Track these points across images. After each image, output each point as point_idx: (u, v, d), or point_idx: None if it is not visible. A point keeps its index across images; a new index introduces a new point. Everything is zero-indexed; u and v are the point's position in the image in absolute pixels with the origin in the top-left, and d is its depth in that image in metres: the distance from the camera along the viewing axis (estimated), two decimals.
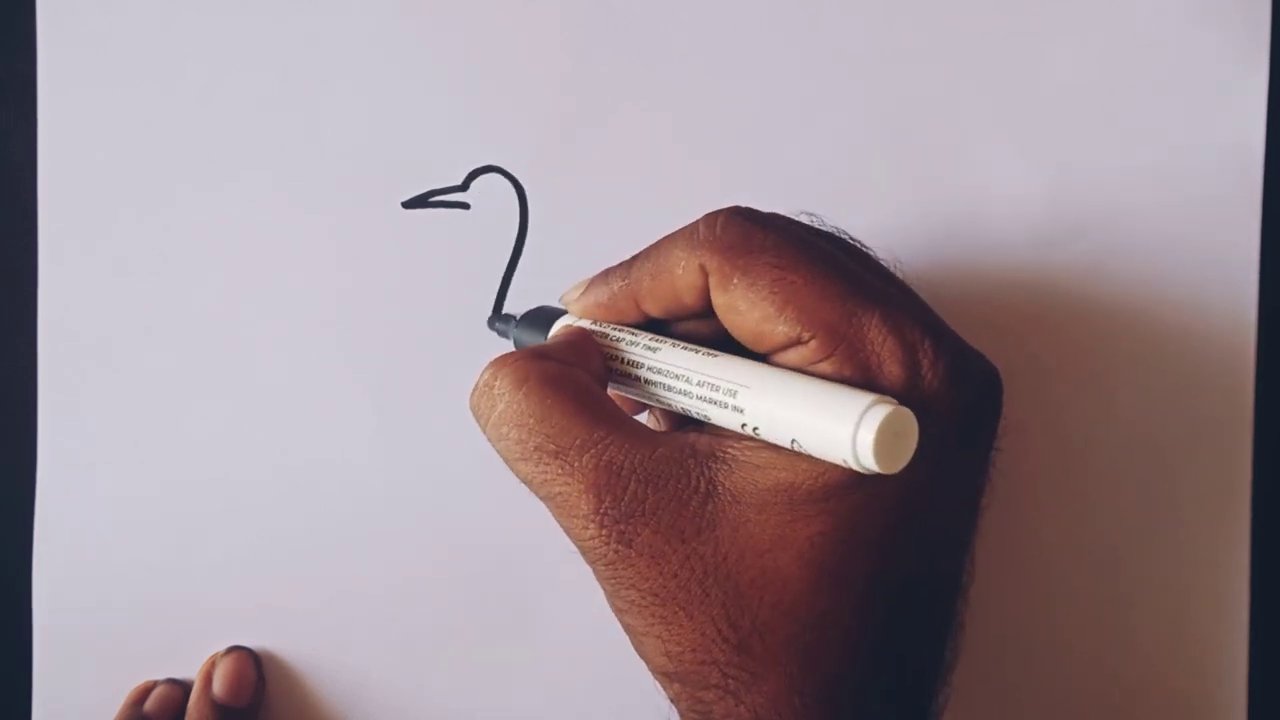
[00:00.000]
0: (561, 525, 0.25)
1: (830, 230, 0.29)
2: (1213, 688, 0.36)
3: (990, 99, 0.36)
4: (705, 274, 0.25)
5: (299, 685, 0.37)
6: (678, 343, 0.27)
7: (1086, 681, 0.36)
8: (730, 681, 0.24)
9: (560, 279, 0.36)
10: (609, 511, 0.24)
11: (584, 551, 0.25)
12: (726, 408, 0.25)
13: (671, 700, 0.26)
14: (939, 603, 0.26)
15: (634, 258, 0.27)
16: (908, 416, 0.23)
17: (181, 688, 0.37)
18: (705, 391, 0.25)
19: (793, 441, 0.24)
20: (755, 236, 0.25)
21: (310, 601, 0.37)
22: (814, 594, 0.24)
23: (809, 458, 0.24)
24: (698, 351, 0.26)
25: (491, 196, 0.36)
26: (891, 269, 0.28)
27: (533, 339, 0.30)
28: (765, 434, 0.24)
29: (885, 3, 0.35)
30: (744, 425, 0.25)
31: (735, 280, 0.25)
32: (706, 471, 0.24)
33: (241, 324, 0.36)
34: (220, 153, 0.36)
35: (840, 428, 0.22)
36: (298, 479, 0.36)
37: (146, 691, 0.36)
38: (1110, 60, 0.35)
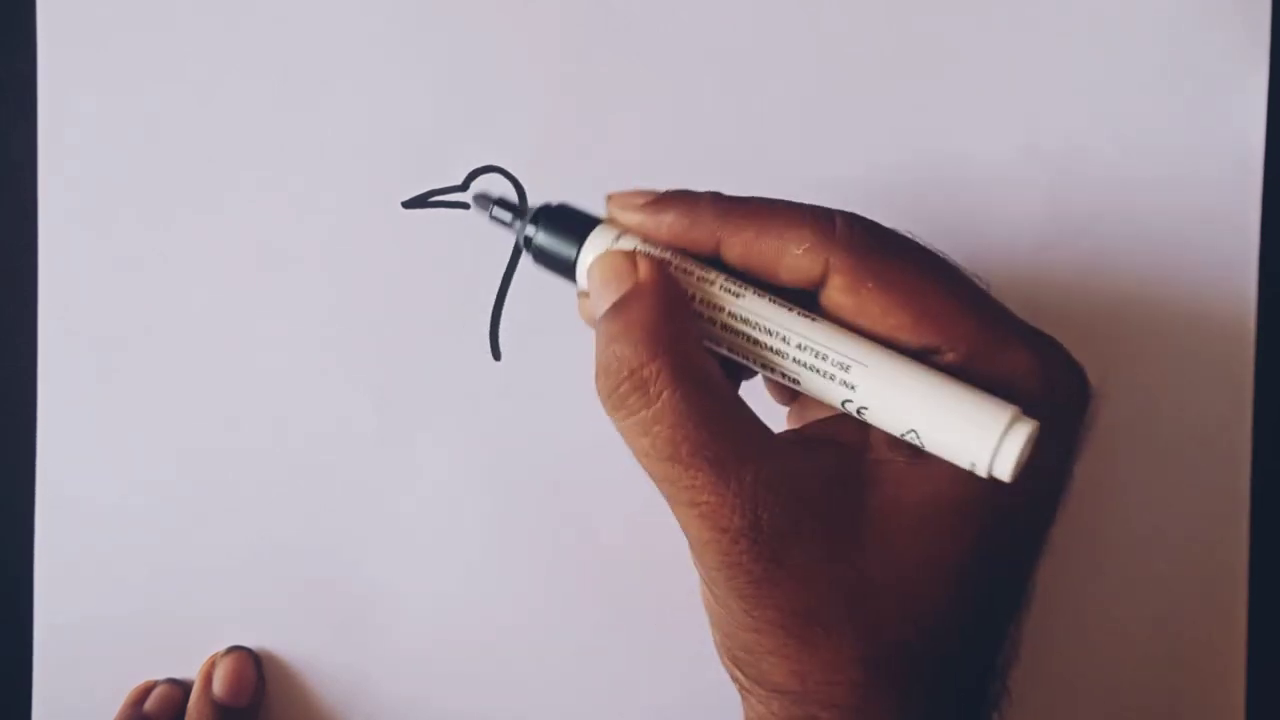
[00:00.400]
0: (697, 535, 0.24)
1: (939, 253, 0.28)
2: (1211, 688, 0.36)
3: (991, 99, 0.36)
4: (827, 269, 0.24)
5: (299, 685, 0.37)
6: (764, 293, 0.25)
7: (1085, 682, 0.36)
8: (857, 700, 0.23)
9: (561, 279, 0.36)
10: (765, 528, 0.23)
11: (722, 566, 0.23)
12: (833, 379, 0.24)
13: (767, 713, 0.25)
14: (1023, 604, 0.27)
15: (734, 202, 0.25)
16: (1036, 432, 0.22)
17: (181, 688, 0.37)
18: (807, 357, 0.24)
19: (909, 433, 0.23)
20: (891, 245, 0.25)
21: (310, 601, 0.37)
22: (958, 607, 0.24)
23: (941, 469, 0.23)
24: (791, 309, 0.24)
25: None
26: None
27: (559, 245, 0.26)
28: (874, 418, 0.23)
29: (886, 3, 0.35)
30: (846, 402, 0.24)
31: (870, 284, 0.24)
32: (855, 491, 0.24)
33: (241, 324, 0.36)
34: (220, 152, 0.36)
35: (984, 436, 0.22)
36: (298, 479, 0.36)
37: (146, 691, 0.36)
38: (1111, 60, 0.35)
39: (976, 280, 0.25)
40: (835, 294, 0.24)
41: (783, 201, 0.25)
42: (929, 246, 0.26)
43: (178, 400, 0.36)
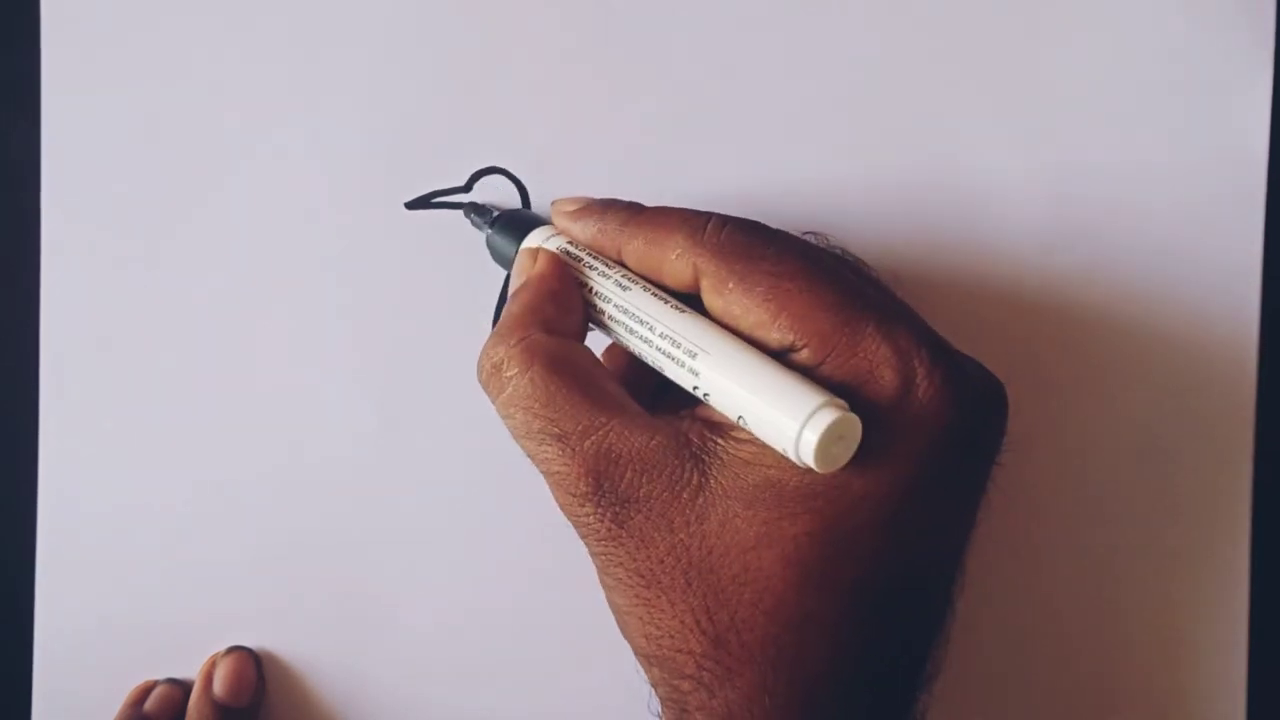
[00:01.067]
0: (558, 500, 0.26)
1: (835, 250, 0.30)
2: (1212, 691, 0.36)
3: (992, 101, 0.36)
4: (696, 272, 0.26)
5: (299, 685, 0.37)
6: (649, 287, 0.27)
7: (1086, 684, 0.36)
8: (705, 674, 0.24)
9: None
10: (606, 494, 0.25)
11: (578, 528, 0.26)
12: (683, 366, 0.26)
13: (652, 685, 0.26)
14: (925, 611, 0.26)
15: (637, 212, 0.28)
16: (854, 422, 0.23)
17: (181, 688, 0.37)
18: (665, 345, 0.26)
19: (739, 418, 0.25)
20: (756, 246, 0.26)
21: (310, 601, 0.37)
22: (796, 594, 0.24)
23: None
24: (666, 302, 0.27)
25: (495, 197, 0.36)
26: (891, 286, 0.29)
27: (505, 244, 0.31)
28: (714, 403, 0.25)
29: (887, 4, 0.36)
30: (695, 388, 0.26)
31: (731, 285, 0.25)
32: (700, 465, 0.25)
33: (243, 324, 0.36)
34: (223, 152, 0.36)
35: (788, 421, 0.23)
36: (298, 479, 0.36)
37: (146, 691, 0.36)
38: (1113, 62, 0.36)
39: (851, 275, 0.26)
40: (707, 295, 0.26)
41: (670, 209, 0.27)
42: (812, 245, 0.27)
43: (178, 400, 0.36)
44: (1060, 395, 0.36)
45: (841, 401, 0.23)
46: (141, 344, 0.36)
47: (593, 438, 0.25)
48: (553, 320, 0.27)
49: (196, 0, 0.36)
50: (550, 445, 0.26)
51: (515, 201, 0.36)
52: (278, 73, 0.36)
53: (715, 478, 0.25)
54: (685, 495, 0.25)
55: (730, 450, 0.25)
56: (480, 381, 0.28)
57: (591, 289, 0.28)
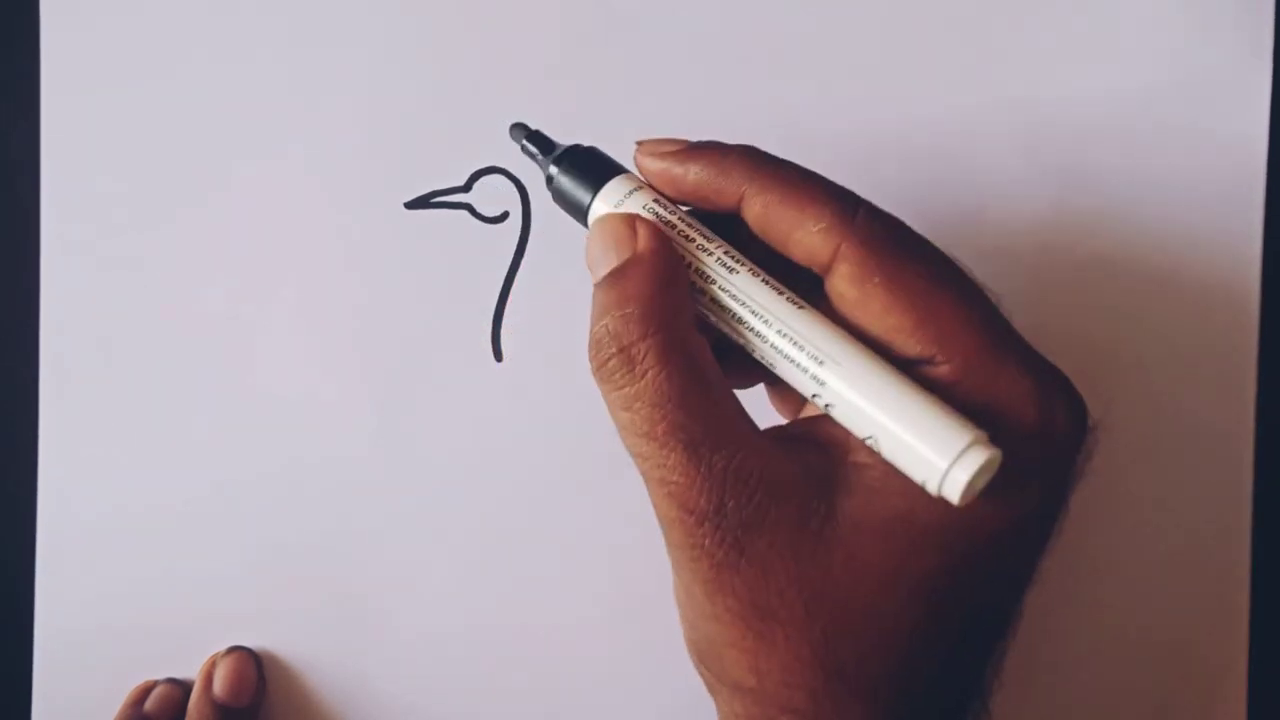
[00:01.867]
0: (667, 515, 0.24)
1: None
2: (1212, 691, 0.36)
3: (992, 101, 0.36)
4: (836, 255, 0.24)
5: (299, 685, 0.37)
6: (759, 272, 0.24)
7: (1086, 684, 0.36)
8: (818, 708, 0.23)
9: (562, 280, 0.36)
10: (730, 515, 0.23)
11: (687, 548, 0.24)
12: (805, 372, 0.23)
13: (732, 715, 0.25)
14: (1007, 632, 0.26)
15: (764, 161, 0.25)
16: (998, 460, 0.22)
17: (181, 688, 0.37)
18: (784, 344, 0.24)
19: (868, 439, 0.23)
20: (910, 246, 0.24)
21: (310, 601, 0.37)
22: (922, 629, 0.23)
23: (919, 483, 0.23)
24: (781, 294, 0.24)
25: (494, 197, 0.36)
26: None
27: (575, 189, 0.27)
28: (838, 415, 0.23)
29: (888, 7, 0.36)
30: (814, 396, 0.23)
31: (878, 280, 0.23)
32: (827, 494, 0.23)
33: (243, 324, 0.36)
34: (222, 152, 0.36)
35: (935, 457, 0.22)
36: (298, 479, 0.36)
37: (146, 691, 0.36)
38: (1113, 62, 0.36)
39: (989, 297, 0.25)
40: (841, 281, 0.24)
41: (814, 175, 0.25)
42: (948, 255, 0.25)
43: (178, 400, 0.36)
44: None
45: (985, 435, 0.22)
46: (141, 344, 0.36)
47: (725, 451, 0.23)
48: (683, 309, 0.24)
49: (196, 0, 0.36)
50: (677, 452, 0.23)
51: (515, 203, 0.36)
52: (277, 73, 0.36)
53: (842, 507, 0.23)
54: (814, 524, 0.23)
55: (855, 477, 0.24)
56: (598, 364, 0.24)
57: (690, 265, 0.25)
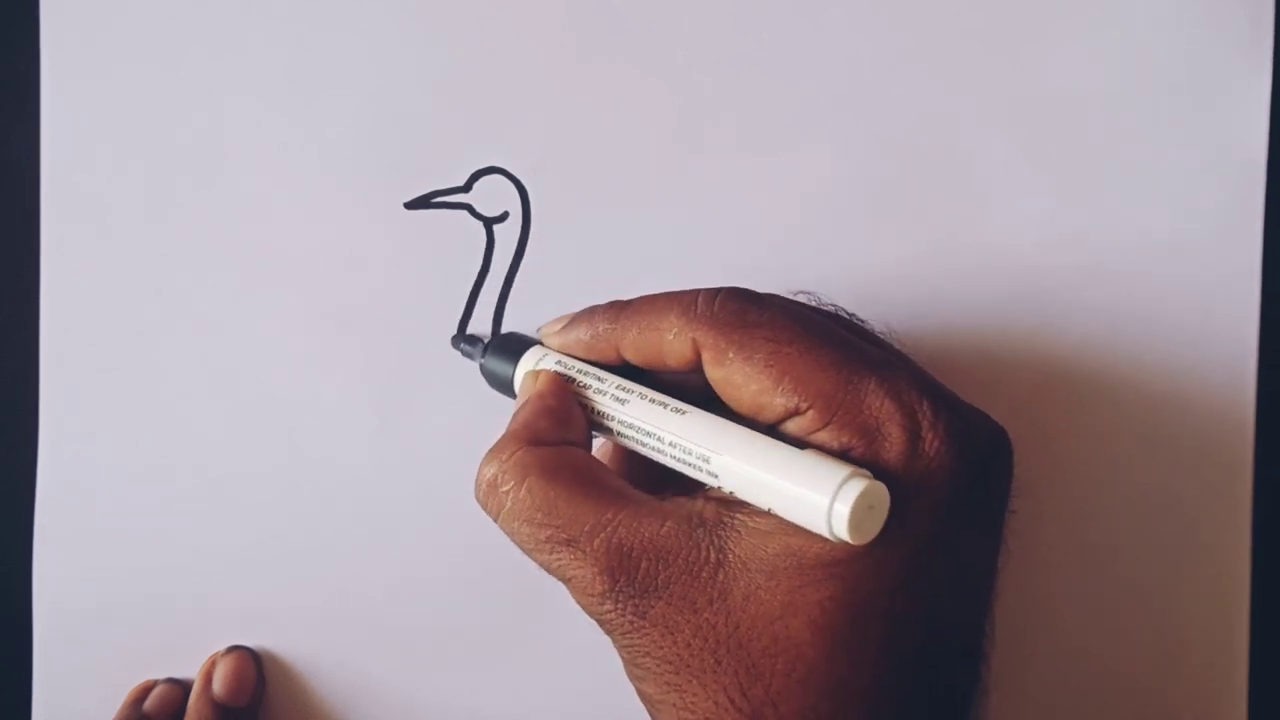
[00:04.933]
0: (579, 603, 0.26)
1: (828, 307, 0.30)
2: (1212, 691, 0.36)
3: (992, 101, 0.36)
4: (697, 348, 0.26)
5: (299, 685, 0.37)
6: (646, 393, 0.27)
7: (1086, 684, 0.36)
8: None
9: (562, 280, 0.36)
10: (623, 589, 0.25)
11: (601, 625, 0.26)
12: (700, 471, 0.26)
13: None
14: (958, 667, 0.26)
15: (623, 306, 0.28)
16: (881, 490, 0.23)
17: (181, 687, 0.37)
18: (678, 453, 0.26)
19: (769, 509, 0.24)
20: (751, 313, 0.26)
21: (310, 601, 0.37)
22: (827, 661, 0.24)
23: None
24: (665, 406, 0.27)
25: (494, 197, 0.36)
26: (887, 338, 0.29)
27: (500, 367, 0.32)
28: (742, 496, 0.25)
29: (887, 8, 0.36)
30: (720, 487, 0.25)
31: (731, 355, 0.25)
32: (716, 540, 0.25)
33: (242, 324, 0.36)
34: (222, 153, 0.36)
35: (816, 498, 0.23)
36: (298, 478, 0.36)
37: (146, 691, 0.36)
38: (1113, 62, 0.36)
39: (839, 328, 0.26)
40: (709, 369, 0.26)
41: (656, 295, 0.28)
42: (804, 306, 0.27)
43: (178, 399, 0.36)
44: (1058, 398, 0.36)
45: (865, 471, 0.23)
46: (141, 343, 0.36)
47: (601, 535, 0.25)
48: (545, 433, 0.27)
49: (196, 1, 0.36)
50: (561, 552, 0.26)
51: (515, 203, 0.36)
52: (277, 73, 0.36)
53: (734, 552, 0.24)
54: (705, 574, 0.24)
55: (748, 523, 0.25)
56: (479, 501, 0.28)
57: (593, 406, 0.28)
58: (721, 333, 0.25)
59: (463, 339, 0.35)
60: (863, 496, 0.23)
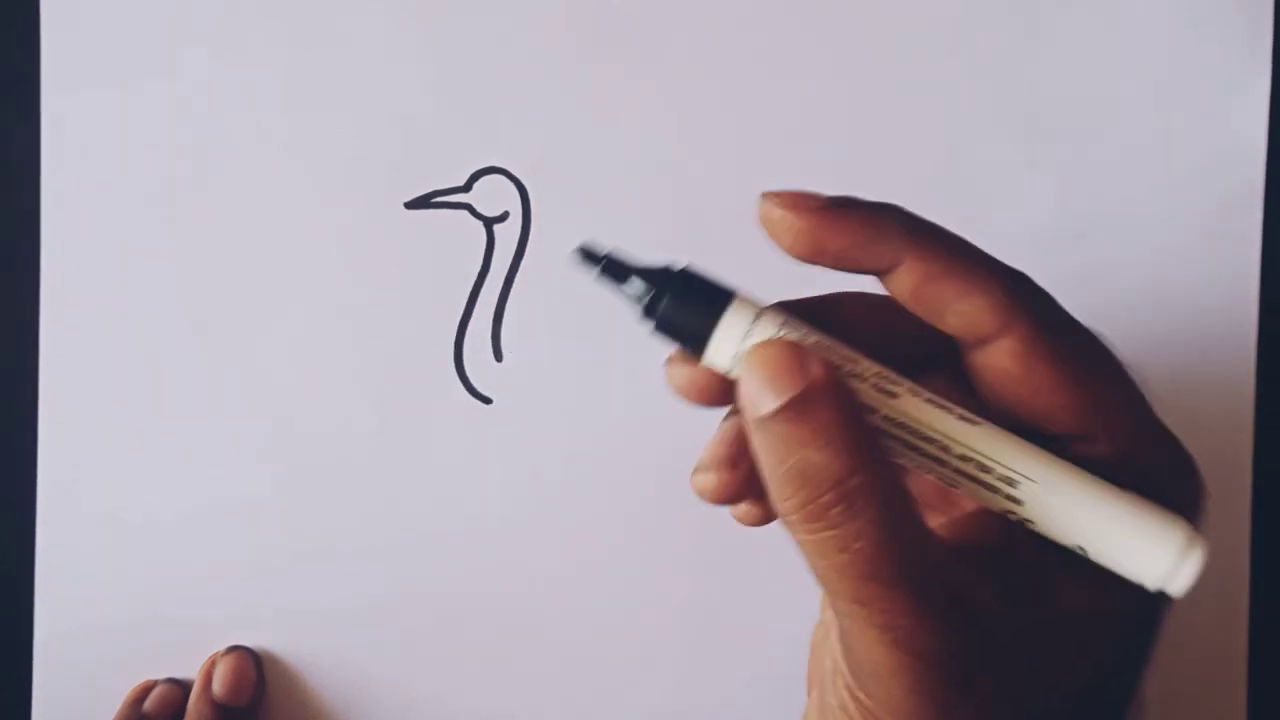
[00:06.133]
0: (884, 661, 0.22)
1: None
2: (1212, 691, 0.36)
3: (992, 101, 0.36)
4: (1002, 330, 0.23)
5: (299, 685, 0.37)
6: (920, 391, 0.23)
7: None
8: None
9: (562, 279, 0.36)
10: (960, 655, 0.21)
11: (911, 694, 0.22)
12: (997, 493, 0.22)
13: None
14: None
15: (925, 224, 0.24)
16: (1203, 551, 0.22)
17: (181, 687, 0.37)
18: (969, 468, 0.22)
19: (1078, 547, 0.22)
20: (1068, 322, 0.23)
21: (310, 601, 0.37)
22: None
23: (1096, 579, 0.22)
24: (950, 412, 0.23)
25: (494, 197, 0.36)
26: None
27: (691, 321, 0.24)
28: (1039, 528, 0.22)
29: (888, 8, 0.36)
30: (1009, 514, 0.22)
31: (1043, 358, 0.23)
32: (1019, 604, 0.23)
33: (243, 324, 0.36)
34: (222, 153, 0.36)
35: (1158, 555, 0.21)
36: (298, 479, 0.36)
37: (146, 691, 0.36)
38: (1113, 63, 0.36)
39: (1134, 376, 0.25)
40: (1002, 356, 0.23)
41: (974, 246, 0.24)
42: (1097, 333, 0.24)
43: (178, 401, 0.36)
44: None
45: (1191, 528, 0.22)
46: (141, 344, 0.36)
47: (947, 587, 0.22)
48: (883, 445, 0.23)
49: (196, 1, 0.36)
50: (904, 592, 0.21)
51: (515, 203, 0.36)
52: (277, 73, 0.36)
53: (1036, 619, 0.23)
54: (1023, 645, 0.22)
55: (1042, 581, 0.23)
56: (805, 502, 0.22)
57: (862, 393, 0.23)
58: (1040, 329, 0.22)
59: (601, 261, 0.24)
60: (1203, 559, 0.21)
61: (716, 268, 0.37)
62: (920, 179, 0.36)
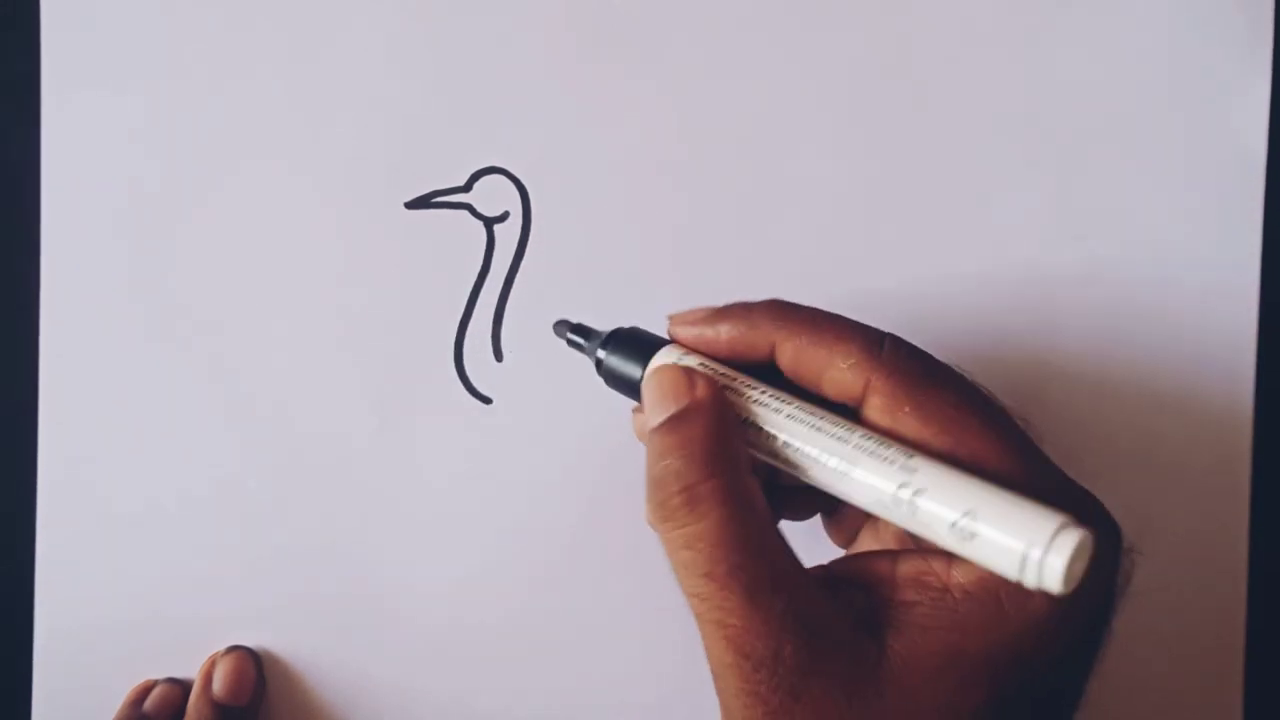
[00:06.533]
0: (719, 657, 0.24)
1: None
2: (1210, 689, 0.36)
3: (992, 101, 0.36)
4: (867, 389, 0.25)
5: (299, 685, 0.37)
6: (815, 410, 0.25)
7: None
8: None
9: (563, 279, 0.36)
10: (786, 660, 0.23)
11: (742, 694, 0.24)
12: (893, 464, 0.23)
13: None
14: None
15: (791, 309, 0.27)
16: (1089, 545, 0.22)
17: (181, 687, 0.37)
18: (870, 444, 0.24)
19: (962, 517, 0.22)
20: (936, 375, 0.25)
21: (310, 601, 0.37)
22: None
23: (968, 616, 0.23)
24: (847, 429, 0.25)
25: (495, 197, 0.36)
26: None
27: (625, 366, 0.29)
28: (924, 504, 0.23)
29: (888, 9, 0.36)
30: (904, 486, 0.23)
31: (907, 410, 0.24)
32: (878, 634, 0.24)
33: (243, 324, 0.36)
34: (223, 153, 0.36)
35: (1037, 530, 0.21)
36: (298, 478, 0.36)
37: (146, 691, 0.36)
38: (1113, 63, 0.36)
39: (1015, 420, 0.26)
40: (873, 413, 0.25)
41: (838, 316, 0.26)
42: (972, 381, 0.26)
43: (178, 400, 0.36)
44: (1059, 393, 0.36)
45: (1071, 518, 0.22)
46: (141, 344, 0.36)
47: (782, 595, 0.23)
48: (741, 457, 0.25)
49: (197, 1, 0.36)
50: (737, 594, 0.23)
51: (515, 203, 0.36)
52: (278, 73, 0.36)
53: (892, 647, 0.23)
54: (866, 668, 0.23)
55: (903, 615, 0.24)
56: (659, 501, 0.25)
57: (745, 399, 0.26)
58: (901, 384, 0.25)
59: (570, 328, 0.31)
60: (1083, 547, 0.21)
61: (716, 267, 0.37)
62: (920, 179, 0.36)
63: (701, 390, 0.26)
